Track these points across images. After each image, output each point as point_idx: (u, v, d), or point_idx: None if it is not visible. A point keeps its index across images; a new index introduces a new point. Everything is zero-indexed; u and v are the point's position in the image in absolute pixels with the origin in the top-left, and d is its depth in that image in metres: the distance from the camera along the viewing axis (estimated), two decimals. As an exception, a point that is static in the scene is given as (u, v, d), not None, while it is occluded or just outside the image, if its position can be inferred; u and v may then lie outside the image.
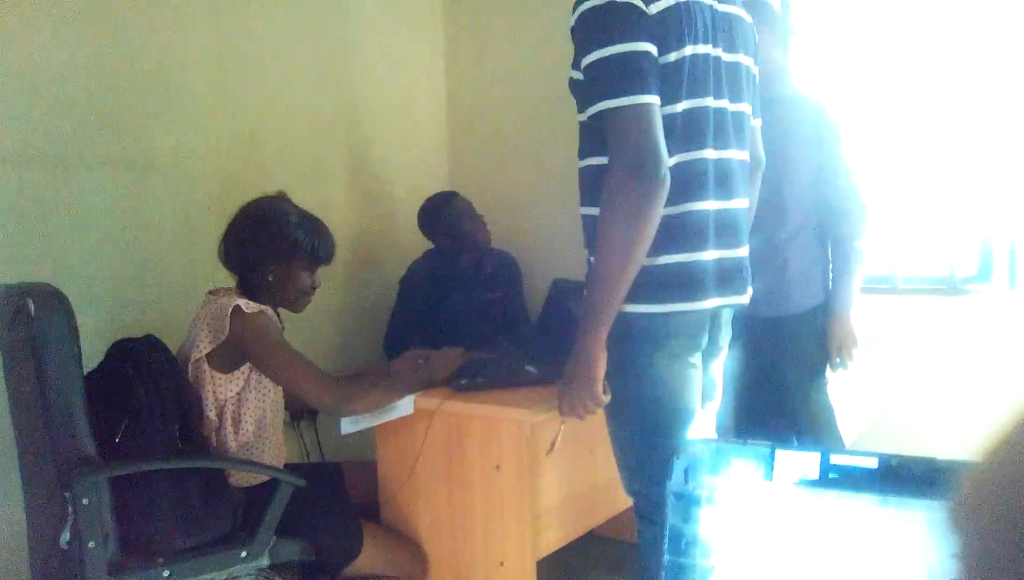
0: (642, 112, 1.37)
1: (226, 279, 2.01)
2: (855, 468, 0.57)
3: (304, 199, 2.04)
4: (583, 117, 1.50)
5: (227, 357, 1.84)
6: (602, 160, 1.45)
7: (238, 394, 1.86)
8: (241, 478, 1.86)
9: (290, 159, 2.76)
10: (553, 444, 1.69)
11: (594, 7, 1.40)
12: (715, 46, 1.48)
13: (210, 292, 1.95)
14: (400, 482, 2.13)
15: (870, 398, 2.40)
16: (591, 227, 1.52)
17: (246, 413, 1.88)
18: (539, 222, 3.11)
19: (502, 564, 1.99)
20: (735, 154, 1.56)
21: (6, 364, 1.70)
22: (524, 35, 3.15)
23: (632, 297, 1.48)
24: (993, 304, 2.50)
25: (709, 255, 1.51)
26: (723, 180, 1.52)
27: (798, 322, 2.31)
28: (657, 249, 1.46)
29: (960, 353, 2.52)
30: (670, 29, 1.40)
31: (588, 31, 1.41)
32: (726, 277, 1.54)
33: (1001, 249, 2.53)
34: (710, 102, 1.48)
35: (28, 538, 1.75)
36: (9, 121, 2.06)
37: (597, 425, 1.68)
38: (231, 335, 1.79)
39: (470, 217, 2.87)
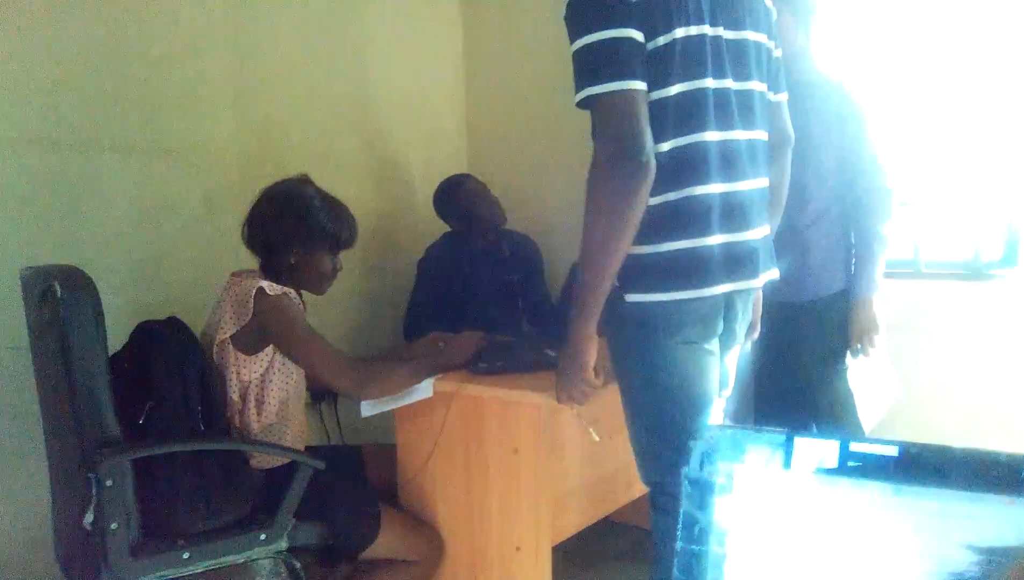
0: (623, 98, 1.37)
1: (248, 261, 2.03)
2: (874, 456, 0.57)
3: (323, 182, 2.05)
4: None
5: (251, 339, 1.85)
6: None
7: (262, 376, 1.88)
8: (262, 460, 1.88)
9: (309, 142, 2.77)
10: (592, 430, 1.75)
11: None
12: (714, 25, 1.46)
13: (233, 274, 1.96)
14: (419, 465, 2.14)
15: (891, 385, 2.38)
16: None
17: (269, 395, 1.89)
18: (558, 207, 3.10)
19: (518, 549, 2.00)
20: (742, 134, 1.52)
21: (33, 345, 1.72)
22: (543, 17, 3.13)
23: (641, 286, 1.48)
24: (1018, 289, 2.46)
25: (715, 240, 1.47)
26: (728, 162, 1.49)
27: (819, 308, 2.29)
28: (661, 236, 1.46)
29: (984, 339, 2.49)
30: (656, 14, 1.39)
31: (575, 18, 1.41)
32: (735, 261, 1.51)
33: (1027, 233, 2.49)
34: (709, 83, 1.45)
35: (53, 518, 1.79)
36: (34, 106, 2.09)
37: (615, 411, 1.68)
38: (254, 317, 1.80)
39: (483, 199, 2.85)
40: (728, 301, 1.56)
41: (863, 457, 0.57)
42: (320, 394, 2.29)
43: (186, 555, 1.63)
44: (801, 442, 0.59)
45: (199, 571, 1.66)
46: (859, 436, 2.17)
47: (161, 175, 2.37)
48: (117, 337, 1.73)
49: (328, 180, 2.10)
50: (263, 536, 1.71)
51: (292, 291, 1.91)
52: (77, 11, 2.14)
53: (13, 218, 2.06)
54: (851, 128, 2.22)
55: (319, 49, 2.81)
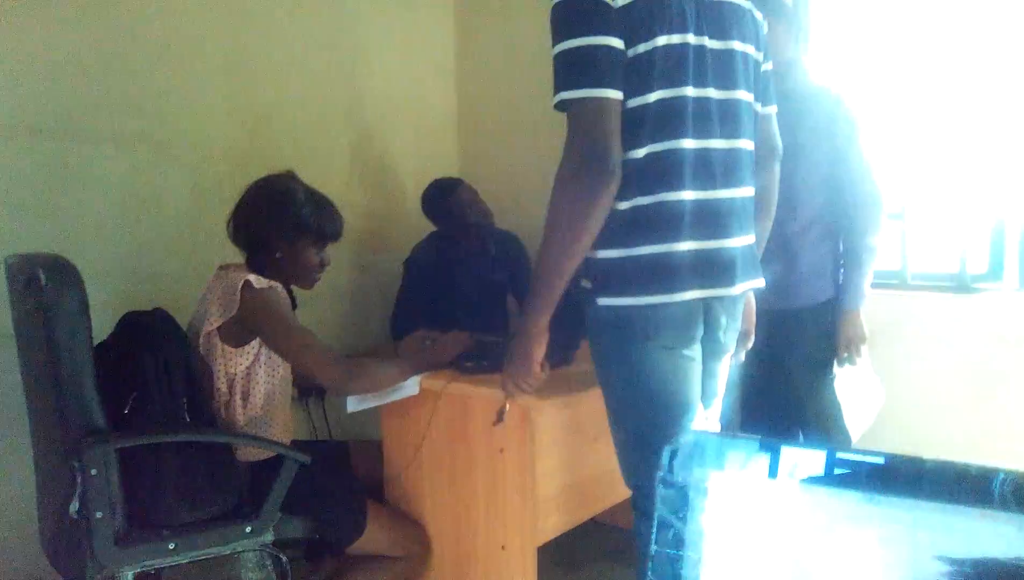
0: (595, 105, 1.38)
1: (236, 255, 2.03)
2: (861, 466, 0.57)
3: (313, 179, 2.05)
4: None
5: (237, 331, 1.85)
6: None
7: (247, 369, 1.88)
8: (248, 453, 1.88)
9: (300, 139, 2.77)
10: (500, 416, 1.81)
11: (563, 0, 1.42)
12: (698, 35, 1.46)
13: (221, 266, 1.96)
14: (405, 462, 2.15)
15: (877, 394, 2.39)
16: None
17: (255, 388, 1.89)
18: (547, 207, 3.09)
19: (503, 548, 2.01)
20: (721, 143, 1.52)
21: (18, 334, 1.72)
22: (534, 16, 3.12)
23: (612, 289, 1.49)
24: (1003, 303, 2.48)
25: (684, 246, 1.48)
26: (704, 170, 1.50)
27: (807, 316, 2.31)
28: (633, 239, 1.47)
29: (969, 352, 2.50)
30: (638, 21, 1.40)
31: (557, 22, 1.43)
32: (708, 268, 1.51)
33: (1013, 247, 2.51)
34: (689, 92, 1.46)
35: (38, 506, 1.78)
36: (23, 95, 2.08)
37: (601, 413, 1.68)
38: (241, 309, 1.81)
39: (474, 208, 2.83)
40: (707, 307, 1.55)
41: (849, 467, 0.58)
42: (307, 389, 2.29)
43: (171, 545, 1.63)
44: (787, 451, 0.59)
45: (184, 562, 1.66)
46: (846, 446, 2.19)
47: (151, 167, 2.36)
48: (103, 327, 1.73)
49: (319, 177, 2.10)
50: (249, 528, 1.72)
51: (279, 285, 1.91)
52: (71, 3, 2.14)
53: None
54: (842, 138, 2.23)
55: (312, 46, 2.81)
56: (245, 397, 1.89)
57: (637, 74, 1.42)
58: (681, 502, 0.59)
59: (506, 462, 1.97)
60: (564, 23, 1.41)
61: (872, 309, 2.30)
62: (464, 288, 2.83)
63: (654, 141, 1.45)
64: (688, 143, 1.47)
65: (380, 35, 3.06)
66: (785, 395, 2.38)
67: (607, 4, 1.38)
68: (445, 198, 2.84)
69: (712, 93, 1.50)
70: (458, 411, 2.03)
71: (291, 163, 2.05)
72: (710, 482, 0.59)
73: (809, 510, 0.58)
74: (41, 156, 2.12)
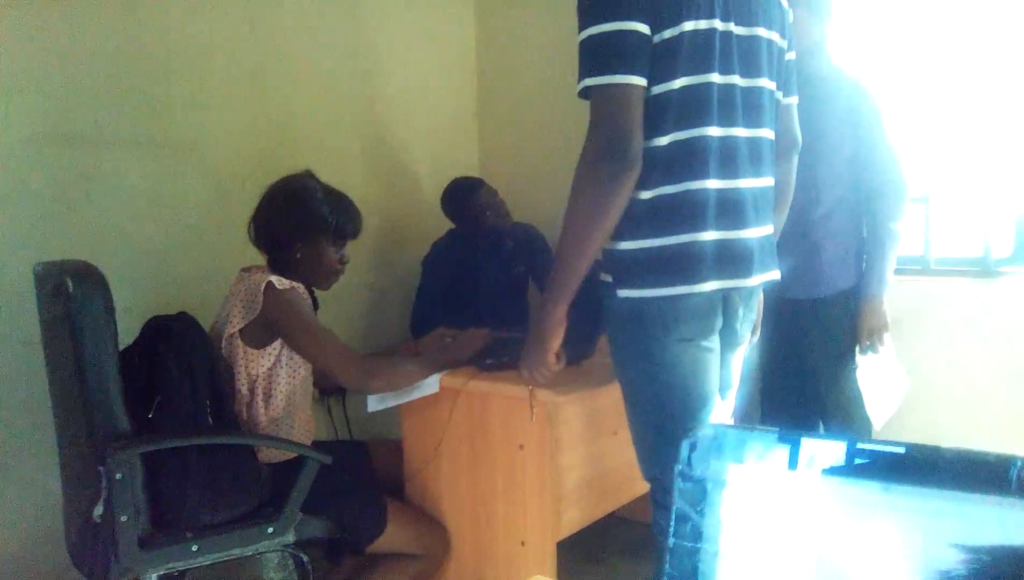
0: (619, 92, 1.37)
1: (258, 257, 2.04)
2: (882, 456, 0.57)
3: (333, 178, 2.06)
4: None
5: (259, 333, 1.86)
6: None
7: (269, 370, 1.89)
8: (269, 454, 1.90)
9: (320, 138, 2.78)
10: (532, 409, 1.86)
11: None
12: (725, 20, 1.44)
13: (243, 269, 1.98)
14: (425, 460, 2.15)
15: (900, 382, 2.37)
16: None
17: (276, 389, 1.91)
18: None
19: (523, 544, 2.01)
20: (744, 132, 1.50)
21: (45, 340, 1.74)
22: (555, 8, 3.12)
23: (632, 281, 1.48)
24: (1028, 287, 2.45)
25: (708, 236, 1.46)
26: (728, 159, 1.48)
27: (829, 304, 2.28)
28: (656, 229, 1.46)
29: (994, 337, 2.47)
30: (665, 6, 1.38)
31: (583, 8, 1.42)
32: (728, 259, 1.49)
33: (1038, 231, 2.47)
34: (715, 78, 1.44)
35: (64, 510, 1.81)
36: (48, 101, 2.11)
37: (620, 407, 1.68)
38: (263, 311, 1.82)
39: (494, 210, 2.82)
40: (726, 298, 1.55)
41: (871, 457, 0.57)
42: (328, 389, 2.31)
43: (194, 547, 1.64)
44: (808, 442, 0.59)
45: (207, 563, 1.67)
46: (867, 436, 2.17)
47: (173, 171, 2.38)
48: (128, 331, 1.75)
49: (338, 176, 2.11)
50: (270, 529, 1.73)
51: (300, 286, 1.92)
52: (91, 8, 2.16)
53: (26, 214, 2.08)
54: (866, 123, 2.19)
55: (331, 47, 2.82)
56: (267, 398, 1.91)
57: (662, 60, 1.40)
58: (699, 495, 0.59)
59: (526, 458, 1.97)
60: (591, 8, 1.40)
61: (895, 294, 2.28)
62: (484, 284, 2.83)
63: (678, 128, 1.44)
64: (713, 131, 1.45)
65: (400, 33, 3.07)
66: (807, 385, 2.36)
67: None
68: (466, 198, 2.83)
69: (737, 80, 1.48)
70: (477, 408, 2.04)
71: (312, 164, 2.06)
72: (729, 475, 0.59)
73: (829, 501, 0.57)
74: (64, 164, 2.15)
